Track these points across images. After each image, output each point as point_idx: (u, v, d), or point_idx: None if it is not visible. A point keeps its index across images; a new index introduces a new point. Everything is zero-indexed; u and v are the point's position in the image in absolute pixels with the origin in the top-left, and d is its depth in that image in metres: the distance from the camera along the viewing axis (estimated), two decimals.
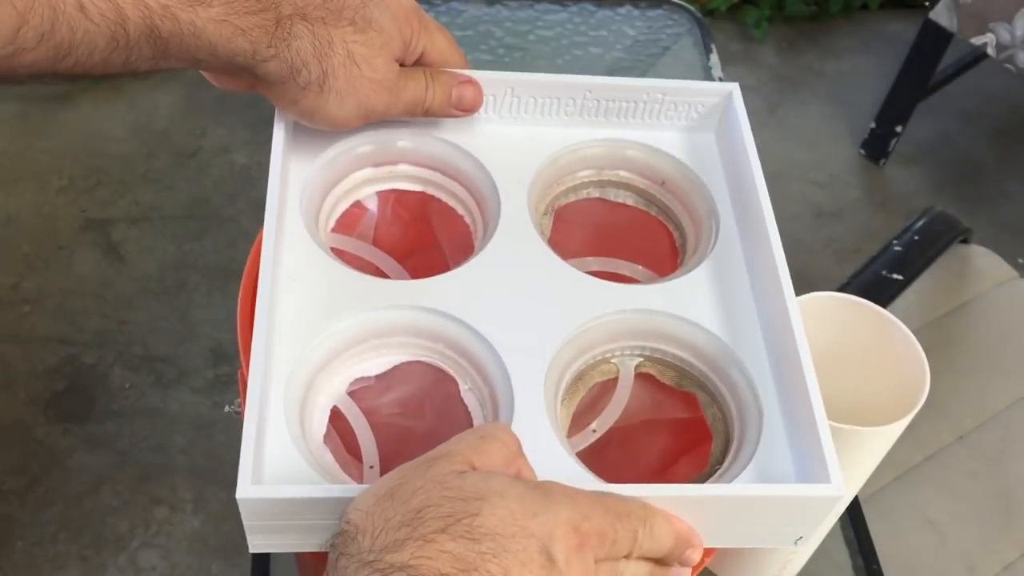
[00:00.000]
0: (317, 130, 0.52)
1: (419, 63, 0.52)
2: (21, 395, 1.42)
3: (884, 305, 0.65)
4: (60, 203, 1.64)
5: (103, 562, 1.27)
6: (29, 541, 1.29)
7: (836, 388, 0.63)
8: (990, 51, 1.57)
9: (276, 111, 0.51)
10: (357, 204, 0.56)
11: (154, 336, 1.49)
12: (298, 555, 0.54)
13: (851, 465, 0.60)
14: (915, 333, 0.60)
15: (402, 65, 0.51)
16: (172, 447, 1.37)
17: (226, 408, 1.39)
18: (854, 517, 0.75)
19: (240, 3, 0.44)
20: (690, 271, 0.51)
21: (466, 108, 0.53)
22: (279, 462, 0.42)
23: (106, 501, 1.32)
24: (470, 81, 0.53)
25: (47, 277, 1.55)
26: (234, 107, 1.82)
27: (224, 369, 1.44)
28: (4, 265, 1.56)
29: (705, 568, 0.48)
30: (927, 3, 2.09)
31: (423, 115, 0.52)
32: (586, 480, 0.42)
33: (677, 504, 0.42)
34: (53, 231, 1.61)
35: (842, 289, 0.86)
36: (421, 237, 0.57)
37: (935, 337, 1.00)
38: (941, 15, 1.62)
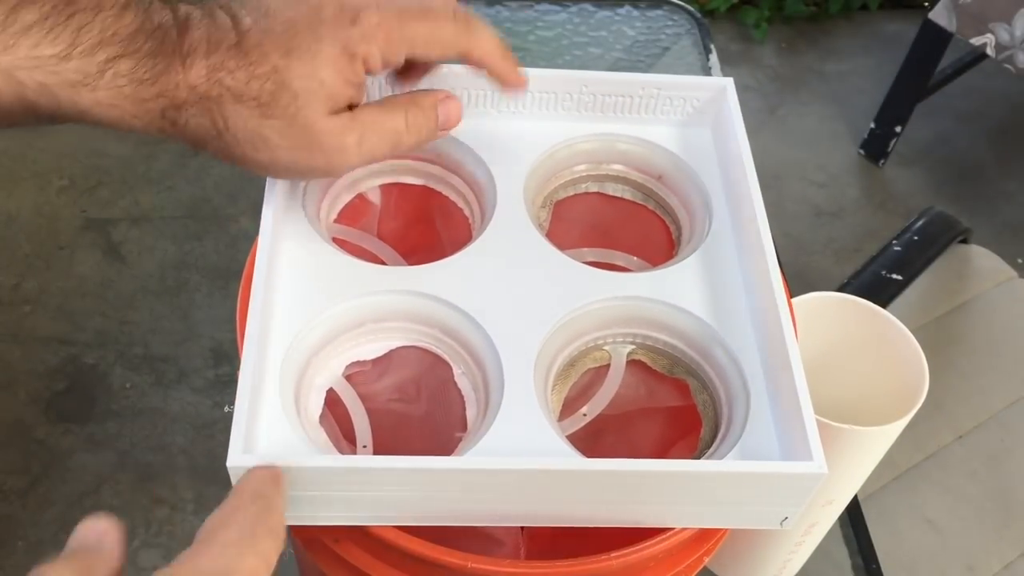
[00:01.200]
0: None
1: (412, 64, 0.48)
2: (21, 395, 1.42)
3: (883, 305, 0.65)
4: (61, 203, 1.65)
5: None
6: (30, 541, 1.29)
7: (835, 388, 0.63)
8: (989, 51, 1.57)
9: None
10: (360, 197, 0.56)
11: (155, 336, 1.50)
12: (298, 555, 0.54)
13: (851, 465, 0.60)
14: (914, 333, 0.60)
15: (402, 71, 0.48)
16: (173, 447, 1.37)
17: (226, 408, 1.39)
18: (854, 517, 0.75)
19: (131, 88, 0.40)
20: (681, 260, 0.52)
21: (450, 127, 0.49)
22: (272, 437, 0.42)
23: (107, 501, 1.32)
24: (450, 96, 0.48)
25: (47, 277, 1.55)
26: None
27: (225, 369, 1.44)
28: (4, 265, 1.56)
29: (705, 568, 0.49)
30: (927, 3, 2.10)
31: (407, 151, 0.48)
32: (574, 460, 0.43)
33: (662, 482, 0.42)
34: (54, 231, 1.61)
35: (842, 289, 0.86)
36: (424, 232, 0.58)
37: (934, 337, 1.01)
38: (940, 15, 1.62)
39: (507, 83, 0.48)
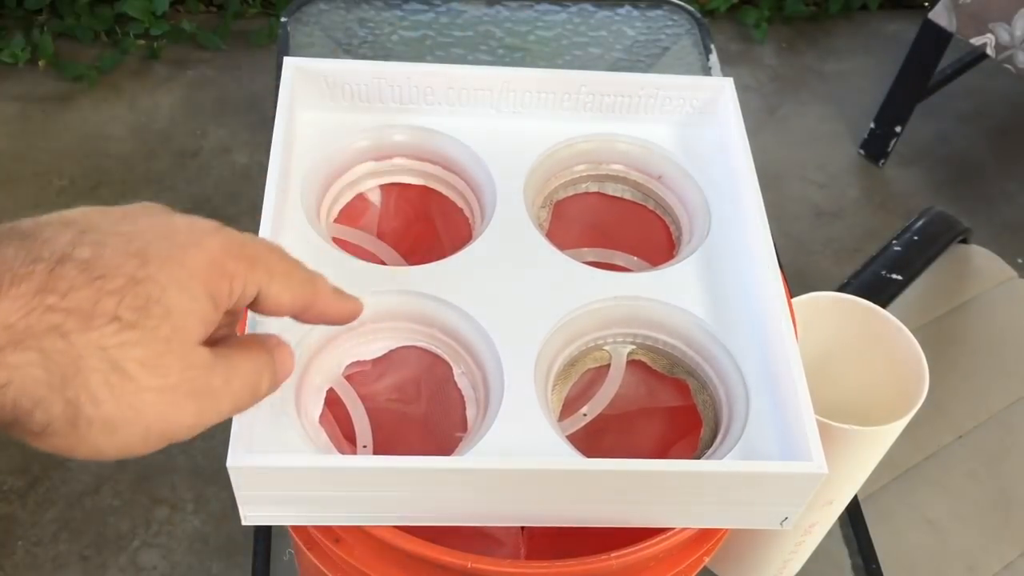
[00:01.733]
0: (318, 124, 0.52)
1: (257, 306, 0.36)
2: None
3: (883, 305, 0.65)
4: (61, 203, 1.64)
5: (104, 562, 1.27)
6: (30, 541, 1.29)
7: (836, 388, 0.63)
8: (989, 51, 1.57)
9: (278, 104, 0.51)
10: (360, 197, 0.56)
11: None
12: (298, 554, 0.54)
13: (851, 465, 0.60)
14: (914, 333, 0.60)
15: (229, 314, 0.36)
16: (172, 447, 1.37)
17: None
18: (854, 517, 0.75)
19: None
20: (681, 261, 0.52)
21: (284, 378, 0.39)
22: (272, 437, 0.43)
23: (107, 501, 1.32)
24: (282, 340, 0.38)
25: None
26: (235, 107, 1.82)
27: None
28: None
29: (705, 568, 0.49)
30: (927, 3, 2.09)
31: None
32: (574, 460, 0.43)
33: (662, 482, 0.42)
34: None
35: (842, 289, 0.86)
36: (424, 232, 0.58)
37: (935, 337, 1.01)
38: (940, 15, 1.62)
39: (348, 320, 0.41)
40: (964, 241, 1.08)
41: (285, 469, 0.40)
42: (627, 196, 0.58)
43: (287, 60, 0.54)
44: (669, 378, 0.51)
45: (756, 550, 0.68)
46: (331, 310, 0.39)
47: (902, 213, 1.80)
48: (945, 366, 0.99)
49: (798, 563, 0.70)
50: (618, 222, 0.59)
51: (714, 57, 0.97)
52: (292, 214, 0.50)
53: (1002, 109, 2.01)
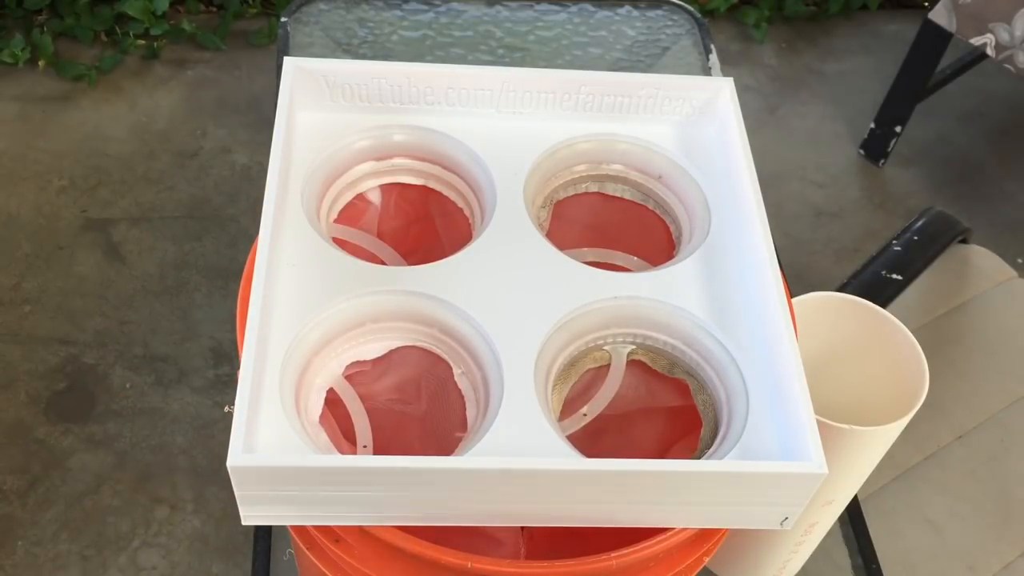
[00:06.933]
0: (318, 124, 0.53)
1: None
2: (22, 395, 1.42)
3: (883, 305, 0.65)
4: (61, 203, 1.65)
5: (104, 561, 1.27)
6: (30, 541, 1.29)
7: (835, 388, 0.63)
8: (989, 51, 1.57)
9: (278, 104, 0.52)
10: (360, 197, 0.56)
11: (155, 336, 1.50)
12: (298, 554, 0.54)
13: (851, 465, 0.60)
14: (914, 333, 0.60)
15: None
16: (172, 447, 1.37)
17: (226, 408, 1.39)
18: (854, 517, 0.75)
19: None
20: (681, 261, 0.52)
21: None
22: (272, 437, 0.43)
23: (107, 501, 1.32)
24: None
25: (47, 277, 1.55)
26: (234, 107, 1.82)
27: (224, 369, 1.44)
28: (4, 265, 1.56)
29: (705, 568, 0.49)
30: (927, 3, 2.10)
31: None
32: (574, 460, 0.43)
33: (662, 482, 0.42)
34: (53, 231, 1.61)
35: (841, 289, 0.86)
36: (424, 232, 0.58)
37: (934, 337, 1.01)
38: (940, 15, 1.62)
39: None
40: (964, 241, 1.08)
41: (285, 469, 0.41)
42: (627, 196, 0.58)
43: (287, 60, 0.54)
44: (669, 378, 0.51)
45: (756, 550, 0.68)
46: None
47: (902, 213, 1.80)
48: (945, 366, 0.99)
49: (798, 563, 0.70)
50: (618, 222, 0.59)
51: (714, 57, 0.97)
52: (292, 214, 0.50)
53: (1002, 109, 2.01)
